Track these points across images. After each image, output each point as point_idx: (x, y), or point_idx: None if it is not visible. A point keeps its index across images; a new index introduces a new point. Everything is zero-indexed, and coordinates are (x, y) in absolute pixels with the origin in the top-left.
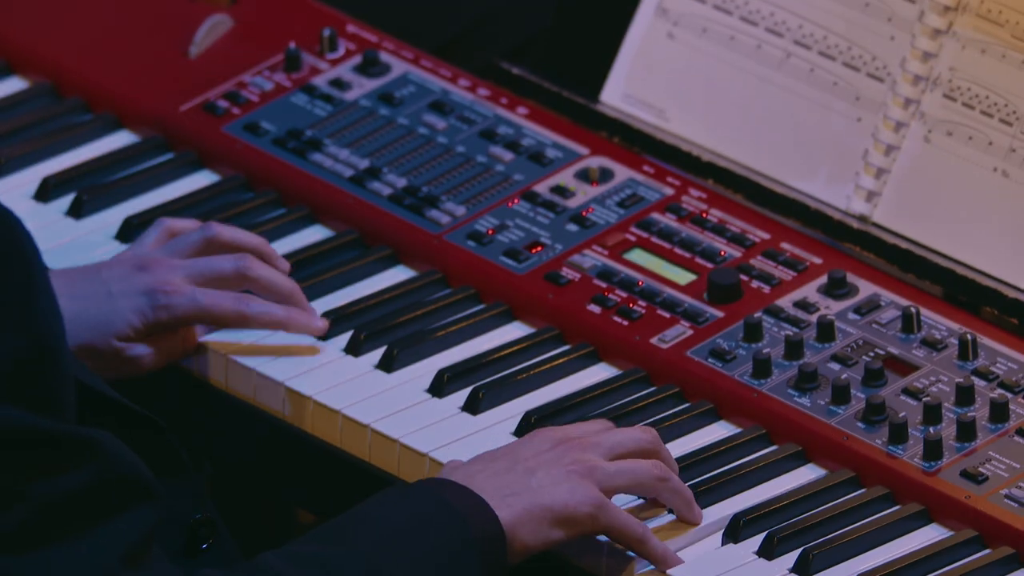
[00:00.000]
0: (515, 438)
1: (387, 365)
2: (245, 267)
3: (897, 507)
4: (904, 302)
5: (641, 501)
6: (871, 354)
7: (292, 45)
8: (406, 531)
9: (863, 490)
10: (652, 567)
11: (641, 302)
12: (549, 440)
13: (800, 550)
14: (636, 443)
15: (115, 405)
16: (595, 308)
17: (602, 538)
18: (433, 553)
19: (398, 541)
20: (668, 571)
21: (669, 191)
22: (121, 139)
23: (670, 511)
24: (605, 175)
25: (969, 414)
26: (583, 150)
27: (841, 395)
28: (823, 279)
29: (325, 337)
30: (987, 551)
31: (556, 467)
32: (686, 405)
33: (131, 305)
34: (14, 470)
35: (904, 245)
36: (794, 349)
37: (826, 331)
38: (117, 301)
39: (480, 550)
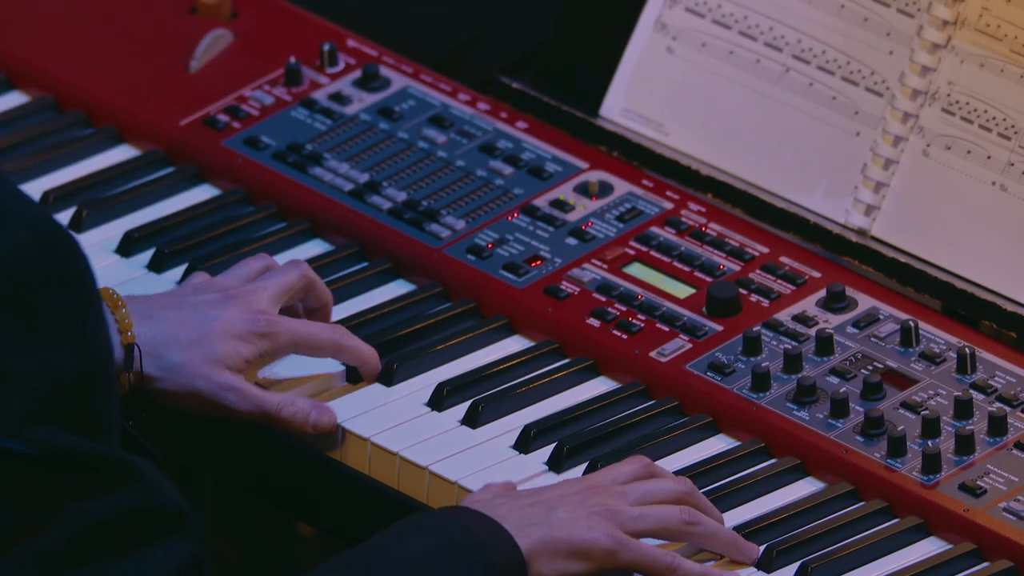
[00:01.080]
0: (515, 452)
1: (387, 379)
2: (307, 272)
3: (896, 520)
4: (903, 316)
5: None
6: (870, 368)
7: (292, 59)
8: (430, 559)
9: (862, 503)
10: None
11: (640, 316)
12: (577, 485)
13: (799, 563)
14: (667, 493)
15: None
16: (594, 322)
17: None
18: None
19: (422, 570)
20: None
21: (668, 205)
22: (121, 153)
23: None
24: (604, 189)
25: (968, 427)
26: (582, 164)
27: (840, 409)
28: (822, 293)
29: None
30: (985, 564)
31: (579, 507)
32: (685, 418)
33: (234, 332)
34: (54, 490)
35: (903, 259)
36: (793, 363)
37: (825, 345)
38: (216, 326)
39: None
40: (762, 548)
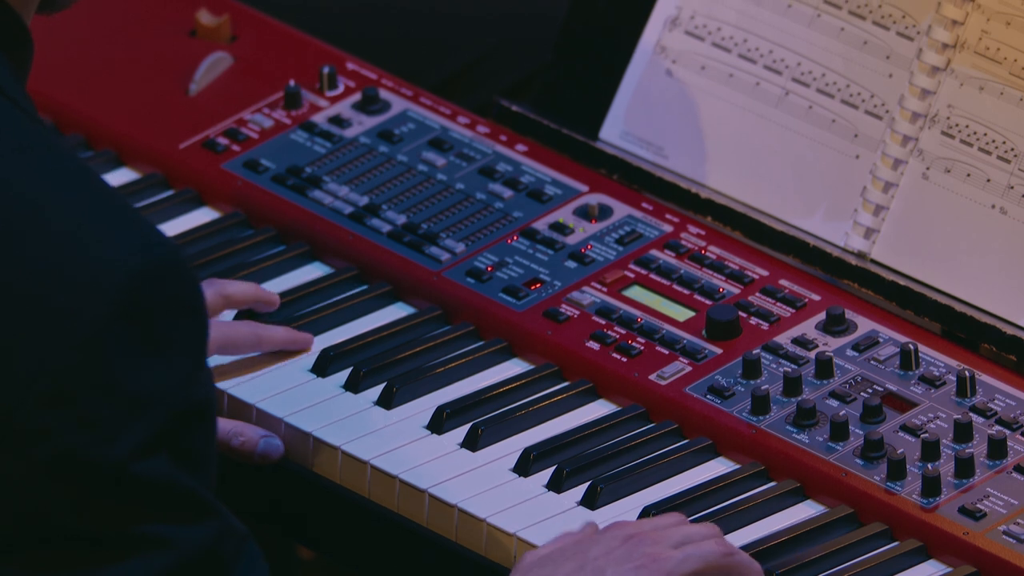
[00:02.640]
0: (515, 475)
1: (386, 402)
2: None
3: (896, 543)
4: (902, 339)
5: None
6: (869, 391)
7: (292, 82)
8: None
9: (861, 526)
10: None
11: (640, 339)
12: (618, 537)
13: None
14: (702, 536)
15: None
16: (594, 345)
17: None
18: None
19: None
20: None
21: (668, 228)
22: (121, 176)
23: None
24: (604, 212)
25: (967, 450)
26: (582, 187)
27: (839, 432)
28: (822, 316)
29: (325, 374)
30: None
31: (624, 563)
32: (684, 442)
33: None
34: (152, 518)
35: (902, 282)
36: (792, 386)
37: (824, 368)
38: None
39: None
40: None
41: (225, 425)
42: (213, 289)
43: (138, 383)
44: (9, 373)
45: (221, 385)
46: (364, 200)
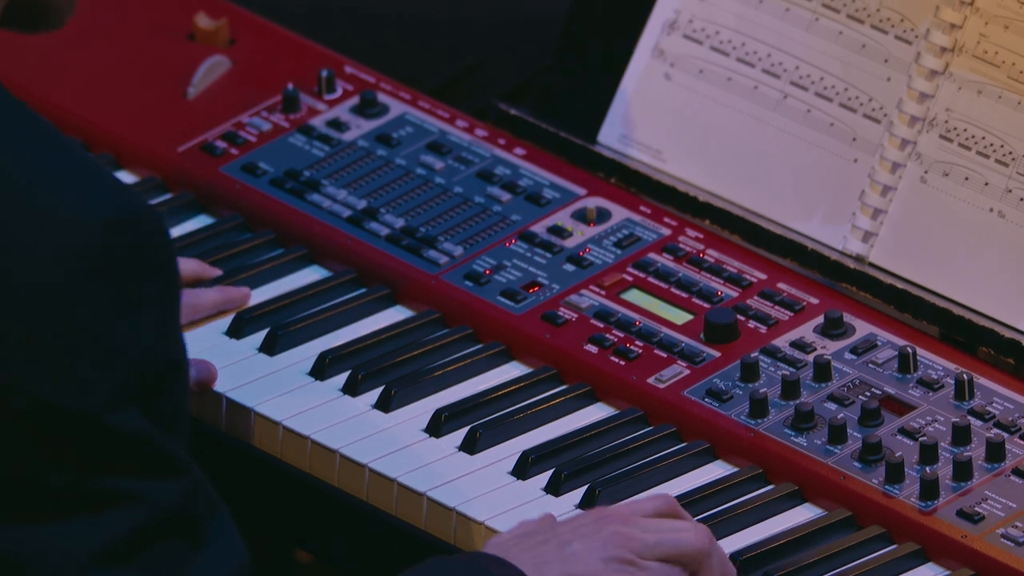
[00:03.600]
0: (513, 477)
1: (385, 405)
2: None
3: (894, 546)
4: (900, 342)
5: None
6: (868, 394)
7: (290, 86)
8: None
9: (860, 529)
10: None
11: (638, 342)
12: (591, 515)
13: None
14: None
15: None
16: (592, 348)
17: None
18: None
19: None
20: None
21: (666, 231)
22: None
23: None
24: (602, 215)
25: (965, 454)
26: (580, 191)
27: (838, 435)
28: (820, 319)
29: (323, 377)
30: None
31: (591, 537)
32: (683, 445)
33: None
34: (132, 473)
35: (900, 285)
36: (791, 389)
37: (823, 371)
38: None
39: None
40: (760, 575)
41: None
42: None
43: (110, 335)
44: None
45: (218, 389)
46: (362, 203)
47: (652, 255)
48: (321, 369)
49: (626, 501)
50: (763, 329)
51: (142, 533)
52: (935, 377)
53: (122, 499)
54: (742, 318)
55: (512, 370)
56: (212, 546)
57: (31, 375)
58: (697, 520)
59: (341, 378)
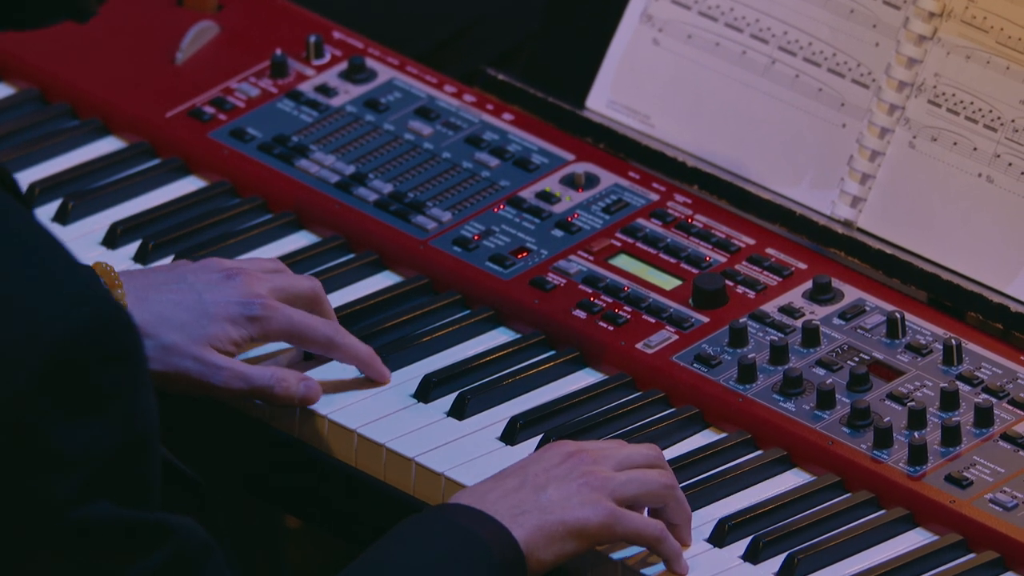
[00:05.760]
0: (501, 443)
1: None
2: (319, 288)
3: (882, 512)
4: (889, 307)
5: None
6: (856, 359)
7: (278, 51)
8: (436, 566)
9: (848, 495)
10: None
11: (626, 307)
12: (559, 455)
13: (785, 554)
14: (645, 458)
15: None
16: (581, 313)
17: (615, 556)
18: None
19: None
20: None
21: (654, 197)
22: (107, 145)
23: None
24: (590, 181)
25: (954, 419)
26: (569, 156)
27: (826, 400)
28: (808, 284)
29: None
30: (972, 555)
31: (567, 482)
32: (671, 410)
33: (226, 314)
34: (104, 557)
35: (889, 250)
36: (779, 354)
37: (811, 336)
38: (209, 308)
39: (505, 574)
40: (748, 539)
41: (263, 372)
42: (311, 283)
43: (70, 442)
44: None
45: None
46: (351, 169)
47: (640, 220)
48: None
49: (617, 444)
50: (751, 294)
51: None
52: (923, 342)
53: None
54: (730, 283)
55: (500, 336)
56: None
57: None
58: (686, 485)
59: None
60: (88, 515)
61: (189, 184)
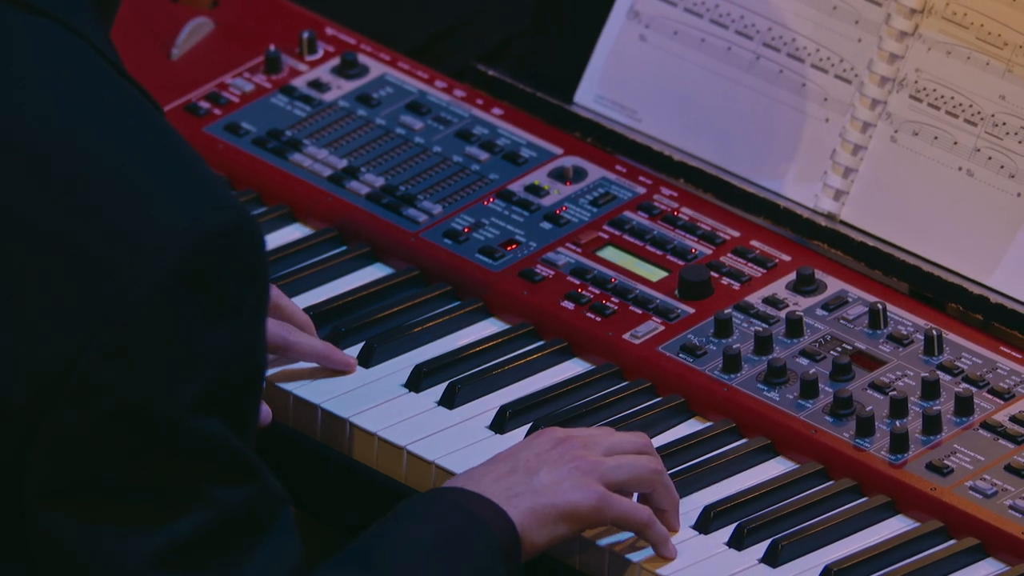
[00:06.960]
0: (491, 432)
1: (365, 360)
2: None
3: (864, 499)
4: (871, 298)
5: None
6: (839, 349)
7: (272, 47)
8: (441, 547)
9: (831, 482)
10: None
11: (614, 299)
12: (550, 440)
13: (769, 541)
14: (633, 445)
15: None
16: (569, 304)
17: (602, 542)
18: (472, 566)
19: (436, 559)
20: (646, 564)
21: (641, 190)
22: None
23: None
24: (578, 174)
25: (935, 408)
26: (557, 150)
27: (809, 389)
28: (792, 276)
29: None
30: (952, 542)
31: (558, 466)
32: (657, 399)
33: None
34: (204, 474)
35: (871, 243)
36: (763, 345)
37: (795, 327)
38: None
39: (505, 555)
40: (733, 526)
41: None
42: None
43: (201, 343)
44: (72, 326)
45: None
46: (343, 163)
47: (627, 213)
48: None
49: (606, 431)
50: (736, 286)
51: (205, 536)
52: (905, 333)
53: (196, 502)
54: (716, 275)
55: (490, 326)
56: (267, 548)
57: (121, 377)
58: (672, 472)
59: (322, 335)
60: (203, 428)
61: None
